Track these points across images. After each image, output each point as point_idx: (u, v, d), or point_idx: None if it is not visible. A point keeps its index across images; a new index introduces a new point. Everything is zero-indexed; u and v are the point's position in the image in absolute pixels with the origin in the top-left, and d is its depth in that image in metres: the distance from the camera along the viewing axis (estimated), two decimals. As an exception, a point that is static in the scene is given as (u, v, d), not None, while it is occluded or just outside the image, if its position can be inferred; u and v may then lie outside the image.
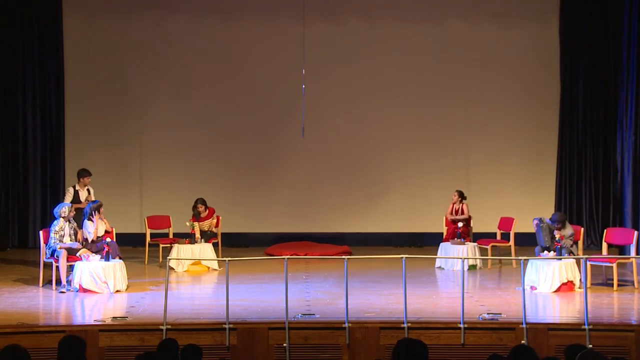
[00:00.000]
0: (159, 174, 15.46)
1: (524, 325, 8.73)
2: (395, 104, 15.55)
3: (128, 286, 10.96)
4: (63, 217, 11.20)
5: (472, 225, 13.72)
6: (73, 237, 11.23)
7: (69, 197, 12.55)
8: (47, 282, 11.11)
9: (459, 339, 8.77)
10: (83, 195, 12.57)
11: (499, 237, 13.63)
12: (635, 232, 11.48)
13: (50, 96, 15.19)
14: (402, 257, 9.08)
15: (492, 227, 13.76)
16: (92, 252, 11.04)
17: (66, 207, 11.32)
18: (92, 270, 10.68)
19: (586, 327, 8.68)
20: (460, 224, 13.18)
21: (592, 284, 10.76)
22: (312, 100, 14.40)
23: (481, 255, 13.03)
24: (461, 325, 8.77)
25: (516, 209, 14.43)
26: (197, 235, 12.98)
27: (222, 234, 13.74)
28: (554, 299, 10.48)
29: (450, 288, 11.64)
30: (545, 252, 11.22)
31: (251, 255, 13.60)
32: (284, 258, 9.08)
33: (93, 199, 12.32)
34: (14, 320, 8.95)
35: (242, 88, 15.50)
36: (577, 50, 15.25)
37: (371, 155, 15.58)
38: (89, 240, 11.35)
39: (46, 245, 11.17)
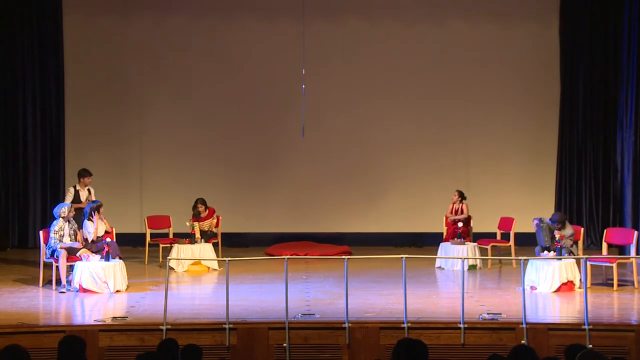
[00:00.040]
0: (159, 174, 15.46)
1: (524, 325, 8.73)
2: (395, 104, 15.55)
3: (128, 286, 10.96)
4: (62, 217, 11.20)
5: (472, 225, 13.72)
6: (73, 237, 11.24)
7: (69, 197, 12.56)
8: (47, 282, 11.11)
9: (459, 339, 8.77)
10: (83, 195, 12.57)
11: (499, 237, 13.63)
12: (635, 232, 11.48)
13: (50, 96, 15.19)
14: (402, 257, 9.08)
15: (492, 227, 13.76)
16: (92, 252, 11.04)
17: (66, 207, 11.32)
18: (92, 270, 10.68)
19: (586, 327, 8.68)
20: (460, 224, 13.18)
21: (592, 284, 10.76)
22: (312, 100, 14.41)
23: (481, 255, 13.03)
24: (461, 325, 8.77)
25: (516, 209, 14.43)
26: (197, 235, 12.98)
27: (222, 234, 13.75)
28: (554, 299, 10.48)
29: (450, 288, 11.64)
30: (545, 252, 11.22)
31: (251, 255, 13.60)
32: (284, 258, 9.08)
33: (93, 199, 12.33)
34: (14, 320, 8.95)
35: (242, 88, 15.50)
36: (577, 50, 15.25)
37: (371, 155, 15.59)
38: (89, 240, 11.35)
39: (46, 245, 11.17)
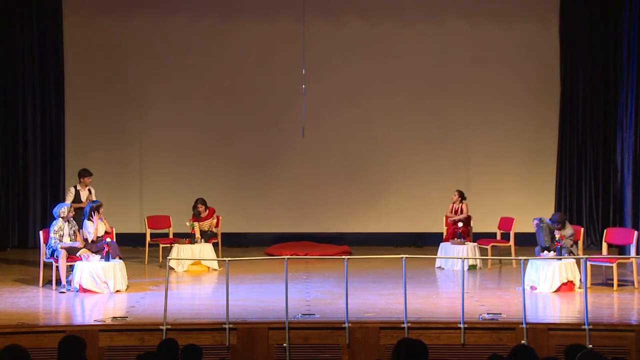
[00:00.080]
0: (159, 174, 15.46)
1: (524, 325, 8.73)
2: (395, 104, 15.55)
3: (128, 286, 10.96)
4: (62, 217, 11.19)
5: (472, 225, 13.73)
6: (73, 237, 11.23)
7: (70, 197, 12.57)
8: (47, 282, 11.11)
9: (459, 339, 8.77)
10: (84, 195, 12.59)
11: (499, 237, 13.63)
12: (635, 232, 11.48)
13: (50, 96, 15.19)
14: (402, 257, 9.08)
15: (492, 227, 13.76)
16: (92, 252, 11.04)
17: (65, 207, 11.32)
18: (92, 270, 10.68)
19: (586, 327, 8.68)
20: (460, 224, 13.18)
21: (592, 284, 10.76)
22: (312, 100, 14.41)
23: (481, 255, 13.03)
24: (461, 325, 8.77)
25: (516, 209, 14.43)
26: (197, 235, 12.98)
27: (222, 234, 13.75)
28: (554, 299, 10.48)
29: (450, 288, 11.64)
30: (545, 252, 11.22)
31: (251, 255, 13.59)
32: (284, 258, 9.08)
33: (94, 198, 12.34)
34: (14, 320, 8.95)
35: (242, 88, 15.50)
36: (577, 50, 15.25)
37: (371, 155, 15.58)
38: (89, 240, 11.35)
39: (46, 245, 11.17)
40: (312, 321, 9.00)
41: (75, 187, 12.71)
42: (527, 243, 12.94)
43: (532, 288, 10.81)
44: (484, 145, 15.55)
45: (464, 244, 12.81)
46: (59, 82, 15.19)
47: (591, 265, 10.89)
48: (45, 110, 15.19)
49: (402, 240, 15.36)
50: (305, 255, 13.63)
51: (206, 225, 13.42)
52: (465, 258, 11.51)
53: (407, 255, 9.19)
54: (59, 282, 10.91)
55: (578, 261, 10.78)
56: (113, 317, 9.11)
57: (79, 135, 15.36)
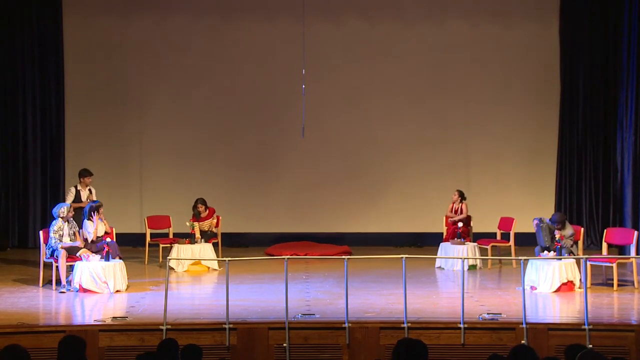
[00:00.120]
0: (159, 174, 15.46)
1: (524, 325, 8.73)
2: (395, 104, 15.55)
3: (128, 286, 10.96)
4: (61, 218, 11.19)
5: (472, 225, 13.73)
6: (72, 237, 11.23)
7: (70, 197, 12.59)
8: (47, 282, 11.11)
9: (459, 339, 8.77)
10: (84, 195, 12.61)
11: (499, 237, 13.63)
12: (635, 232, 11.48)
13: (50, 96, 15.19)
14: (402, 257, 9.08)
15: (492, 227, 13.76)
16: (92, 252, 11.04)
17: (65, 207, 11.32)
18: (92, 270, 10.68)
19: (586, 327, 8.68)
20: (460, 224, 13.18)
21: (592, 284, 10.76)
22: (312, 100, 14.40)
23: (481, 255, 13.03)
24: (461, 325, 8.77)
25: (516, 209, 14.43)
26: (197, 235, 12.98)
27: (222, 234, 13.75)
28: (554, 299, 10.48)
29: (450, 288, 11.64)
30: (545, 252, 11.22)
31: (251, 255, 13.60)
32: (284, 258, 9.08)
33: (95, 199, 12.34)
34: (14, 320, 8.95)
35: (242, 88, 15.50)
36: (577, 50, 15.25)
37: (371, 155, 15.58)
38: (89, 240, 11.35)
39: (46, 245, 11.17)
40: (312, 321, 9.00)
41: (75, 187, 12.72)
42: (527, 243, 12.94)
43: (532, 288, 10.81)
44: (484, 145, 15.55)
45: (464, 244, 12.81)
46: (59, 82, 15.19)
47: (591, 265, 10.89)
48: (45, 110, 15.19)
49: (402, 240, 15.36)
50: (305, 255, 13.63)
51: (206, 225, 13.42)
52: (465, 258, 11.51)
53: (407, 255, 9.19)
54: (59, 282, 10.91)
55: (578, 261, 10.78)
56: (113, 317, 9.11)
57: (79, 135, 15.36)
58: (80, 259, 10.86)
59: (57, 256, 10.93)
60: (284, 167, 15.58)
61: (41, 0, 15.11)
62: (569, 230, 11.41)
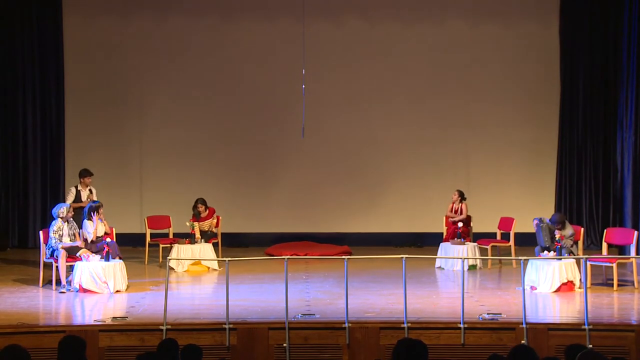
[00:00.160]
0: (159, 174, 15.46)
1: (524, 325, 8.73)
2: (396, 104, 15.55)
3: (128, 286, 10.96)
4: (61, 218, 11.19)
5: (472, 225, 13.72)
6: (72, 237, 11.23)
7: (70, 197, 12.60)
8: (47, 282, 11.11)
9: (459, 339, 8.77)
10: (84, 195, 12.61)
11: (499, 237, 13.63)
12: (635, 232, 11.48)
13: (50, 96, 15.19)
14: (402, 257, 9.08)
15: (492, 227, 13.76)
16: (92, 252, 11.04)
17: (64, 207, 11.32)
18: (92, 270, 10.68)
19: (586, 327, 8.68)
20: (460, 224, 13.18)
21: (592, 284, 10.76)
22: (312, 100, 14.40)
23: (481, 255, 13.03)
24: (461, 325, 8.77)
25: (516, 209, 14.43)
26: (197, 235, 12.98)
27: (222, 234, 13.75)
28: (554, 299, 10.48)
29: (450, 288, 11.64)
30: (545, 252, 11.22)
31: (251, 255, 13.60)
32: (284, 258, 9.08)
33: (95, 199, 12.34)
34: (14, 320, 8.95)
35: (242, 88, 15.50)
36: (577, 50, 15.25)
37: (371, 155, 15.58)
38: (89, 241, 11.35)
39: (46, 245, 11.17)
40: (312, 321, 9.00)
41: (76, 187, 12.73)
42: (527, 243, 12.94)
43: (532, 288, 10.81)
44: (484, 145, 15.55)
45: (464, 244, 12.81)
46: (59, 82, 15.19)
47: (591, 265, 10.89)
48: (45, 110, 15.19)
49: (402, 240, 15.36)
50: (305, 255, 13.63)
51: (206, 225, 13.42)
52: (465, 258, 11.52)
53: (407, 255, 9.19)
54: (59, 282, 10.91)
55: (578, 261, 10.78)
56: (113, 317, 9.11)
57: (79, 135, 15.36)
58: (80, 259, 10.86)
59: (57, 256, 10.93)
60: (284, 167, 15.58)
61: (41, 0, 15.11)
62: (569, 230, 11.41)
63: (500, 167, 15.56)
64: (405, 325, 8.76)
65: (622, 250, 13.16)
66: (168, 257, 10.41)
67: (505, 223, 13.48)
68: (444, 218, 13.93)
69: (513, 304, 9.80)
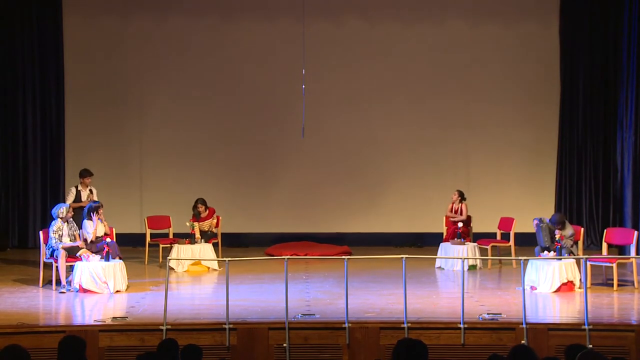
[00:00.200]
0: (159, 174, 15.46)
1: (524, 325, 8.73)
2: (396, 104, 15.55)
3: (128, 286, 10.96)
4: (60, 218, 11.19)
5: (472, 225, 13.72)
6: (72, 238, 11.23)
7: (70, 197, 12.61)
8: (47, 283, 11.11)
9: (459, 339, 8.77)
10: (85, 195, 12.62)
11: (499, 237, 13.63)
12: (635, 232, 11.48)
13: (50, 96, 15.19)
14: (402, 257, 9.08)
15: (492, 227, 13.76)
16: (92, 252, 11.04)
17: (64, 207, 11.32)
18: (92, 270, 10.68)
19: (586, 327, 8.68)
20: (460, 224, 13.19)
21: (592, 284, 10.75)
22: (312, 100, 14.40)
23: (481, 255, 13.03)
24: (461, 325, 8.77)
25: (516, 209, 14.43)
26: (197, 235, 12.98)
27: (222, 234, 13.75)
28: (554, 299, 10.48)
29: (450, 288, 11.64)
30: (545, 252, 11.22)
31: (251, 255, 13.60)
32: (284, 258, 9.08)
33: (96, 199, 12.34)
34: (14, 320, 8.95)
35: (242, 88, 15.50)
36: (577, 50, 15.25)
37: (371, 155, 15.58)
38: (88, 241, 11.35)
39: (46, 245, 11.17)
40: (312, 321, 9.00)
41: (76, 187, 12.74)
42: (527, 243, 12.94)
43: (532, 288, 10.81)
44: (484, 145, 15.55)
45: (464, 244, 12.81)
46: (59, 82, 15.19)
47: (591, 265, 10.89)
48: (45, 110, 15.19)
49: (402, 240, 15.36)
50: (305, 255, 13.63)
51: (206, 225, 13.42)
52: (465, 258, 11.51)
53: (407, 255, 9.19)
54: (59, 282, 10.91)
55: (578, 261, 10.78)
56: (113, 317, 9.11)
57: (79, 135, 15.36)
58: (80, 259, 10.86)
59: (57, 256, 10.93)
60: (284, 167, 15.58)
61: (41, 0, 15.11)
62: (569, 230, 11.41)
63: (500, 167, 15.56)
64: (405, 325, 8.76)
65: (622, 250, 13.16)
66: (168, 257, 10.41)
67: (505, 223, 13.48)
68: (444, 218, 13.93)
69: (513, 304, 9.80)
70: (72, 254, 11.03)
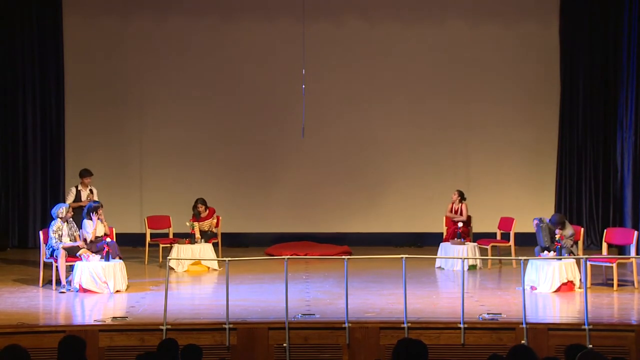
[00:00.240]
0: (159, 174, 15.46)
1: (524, 325, 8.73)
2: (396, 104, 15.55)
3: (128, 286, 10.96)
4: (60, 218, 11.19)
5: (472, 225, 13.72)
6: (72, 238, 11.23)
7: (70, 197, 12.62)
8: (47, 282, 11.11)
9: (459, 339, 8.77)
10: (85, 195, 12.63)
11: (499, 237, 13.63)
12: (635, 232, 11.48)
13: (50, 96, 15.19)
14: (402, 257, 9.08)
15: (492, 227, 13.76)
16: (92, 252, 11.04)
17: (63, 207, 11.32)
18: (92, 270, 10.68)
19: (586, 327, 8.68)
20: (460, 224, 13.19)
21: (592, 284, 10.75)
22: (312, 100, 14.40)
23: (481, 255, 13.03)
24: (461, 325, 8.77)
25: (516, 209, 14.43)
26: (197, 235, 12.98)
27: (222, 234, 13.75)
28: (554, 299, 10.48)
29: (450, 288, 11.64)
30: (545, 252, 11.22)
31: (251, 255, 13.60)
32: (284, 258, 9.08)
33: (96, 199, 12.34)
34: (14, 320, 8.95)
35: (242, 88, 15.50)
36: (577, 50, 15.25)
37: (371, 155, 15.58)
38: (87, 240, 11.35)
39: (46, 245, 11.17)
40: (312, 321, 9.00)
41: (76, 187, 12.75)
42: (527, 243, 12.94)
43: (532, 288, 10.81)
44: (484, 145, 15.55)
45: (464, 244, 12.81)
46: (59, 82, 15.19)
47: (591, 265, 10.89)
48: (45, 110, 15.19)
49: (402, 240, 15.36)
50: (305, 255, 13.63)
51: (206, 225, 13.42)
52: (465, 258, 11.51)
53: (407, 255, 9.19)
54: (59, 282, 10.91)
55: (578, 261, 10.78)
56: (113, 317, 9.11)
57: (79, 135, 15.36)
58: (80, 259, 10.86)
59: (56, 256, 10.93)
60: (284, 167, 15.58)
61: (41, 0, 15.11)
62: (569, 230, 11.41)
63: (500, 167, 15.56)
64: (405, 325, 8.76)
65: (622, 250, 13.16)
66: (168, 257, 10.41)
67: (505, 223, 13.49)
68: (444, 218, 13.93)
69: (513, 304, 9.80)
70: (72, 253, 11.03)
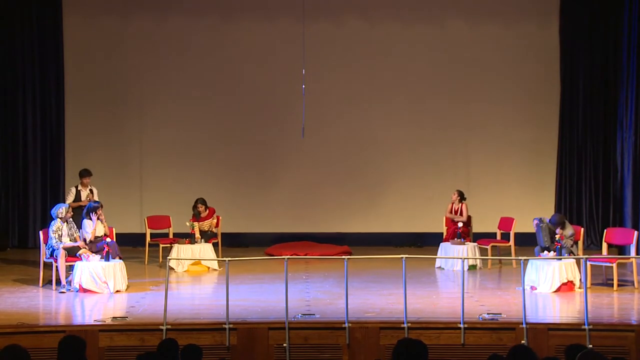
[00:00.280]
0: (159, 174, 15.46)
1: (524, 325, 8.73)
2: (396, 104, 15.55)
3: (128, 286, 10.96)
4: (60, 218, 11.19)
5: (472, 225, 13.72)
6: (72, 237, 11.23)
7: (70, 197, 12.62)
8: (47, 282, 11.11)
9: (459, 339, 8.77)
10: (84, 195, 12.63)
11: (499, 237, 13.63)
12: (635, 232, 11.48)
13: (50, 96, 15.19)
14: (402, 257, 9.08)
15: (492, 227, 13.76)
16: (92, 252, 11.04)
17: (63, 207, 11.32)
18: (92, 270, 10.68)
19: (586, 327, 8.68)
20: (460, 224, 13.19)
21: (592, 284, 10.76)
22: (312, 100, 14.40)
23: (481, 255, 13.03)
24: (461, 325, 8.77)
25: (516, 209, 14.44)
26: (197, 235, 12.98)
27: (222, 234, 13.75)
28: (554, 299, 10.48)
29: (450, 288, 11.64)
30: (545, 252, 11.22)
31: (251, 255, 13.60)
32: (284, 258, 9.08)
33: (96, 199, 12.34)
34: (14, 320, 8.95)
35: (242, 88, 15.50)
36: (577, 50, 15.25)
37: (371, 155, 15.58)
38: (87, 240, 11.35)
39: (46, 245, 11.17)
40: (312, 321, 9.00)
41: (76, 187, 12.76)
42: (527, 243, 12.94)
43: (532, 288, 10.81)
44: (484, 145, 15.55)
45: (464, 244, 12.81)
46: (59, 82, 15.19)
47: (591, 265, 10.89)
48: (45, 110, 15.19)
49: (402, 240, 15.36)
50: (305, 255, 13.63)
51: (206, 225, 13.42)
52: (465, 258, 11.51)
53: (407, 255, 9.19)
54: (59, 282, 10.91)
55: (578, 261, 10.78)
56: (113, 317, 9.11)
57: (79, 135, 15.36)
58: (80, 259, 10.86)
59: (56, 256, 10.93)
60: (284, 167, 15.58)
61: (41, 0, 15.11)
62: (569, 230, 11.41)
63: (500, 167, 15.56)
64: (405, 325, 8.76)
65: (622, 250, 13.16)
66: (168, 257, 10.41)
67: (505, 223, 13.49)
68: (444, 218, 13.92)
69: (513, 304, 9.80)
70: (72, 253, 11.03)
